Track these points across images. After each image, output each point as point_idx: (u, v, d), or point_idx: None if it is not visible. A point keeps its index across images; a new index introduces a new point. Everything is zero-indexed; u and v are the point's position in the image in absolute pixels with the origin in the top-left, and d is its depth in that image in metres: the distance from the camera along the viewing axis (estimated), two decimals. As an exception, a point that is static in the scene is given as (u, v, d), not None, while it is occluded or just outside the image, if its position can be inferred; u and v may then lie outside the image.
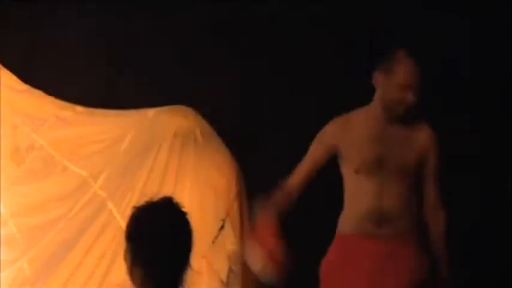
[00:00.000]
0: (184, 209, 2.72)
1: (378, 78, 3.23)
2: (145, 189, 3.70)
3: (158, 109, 3.94)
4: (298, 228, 3.55)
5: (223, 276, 3.72)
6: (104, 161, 3.88)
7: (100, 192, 3.83)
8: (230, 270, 3.71)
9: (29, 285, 3.82)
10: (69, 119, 3.95)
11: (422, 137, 3.30)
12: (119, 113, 3.99)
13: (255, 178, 3.87)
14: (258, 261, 3.19)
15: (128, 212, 2.78)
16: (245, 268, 3.62)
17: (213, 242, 3.68)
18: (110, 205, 3.79)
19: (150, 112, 3.93)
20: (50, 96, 3.97)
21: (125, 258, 2.73)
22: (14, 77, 3.97)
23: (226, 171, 3.82)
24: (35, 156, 3.90)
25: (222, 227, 3.71)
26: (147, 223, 2.71)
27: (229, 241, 3.75)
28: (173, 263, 2.71)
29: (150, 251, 2.69)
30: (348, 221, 3.30)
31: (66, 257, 3.82)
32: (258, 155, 4.10)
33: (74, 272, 3.82)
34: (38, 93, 3.98)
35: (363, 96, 3.36)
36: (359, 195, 3.26)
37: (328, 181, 3.33)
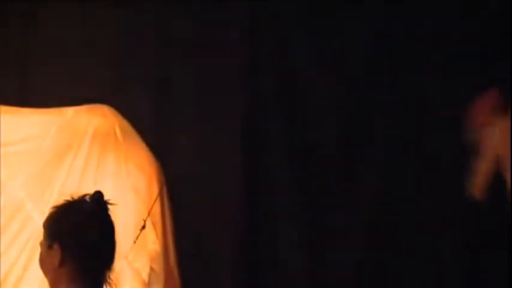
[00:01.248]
0: (109, 205, 2.73)
1: None
2: (63, 189, 3.63)
3: (77, 108, 3.89)
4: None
5: (145, 275, 3.68)
6: (23, 160, 3.79)
7: (18, 192, 3.75)
8: (152, 269, 3.68)
9: None
10: None
11: None
12: (37, 112, 3.93)
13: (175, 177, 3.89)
14: None
15: (46, 212, 2.77)
16: (166, 267, 3.70)
17: (134, 242, 3.62)
18: (28, 205, 3.72)
19: (69, 111, 3.88)
20: None
21: (46, 264, 2.72)
22: None
23: (147, 170, 3.80)
24: None
25: (143, 227, 3.64)
26: (75, 221, 2.69)
27: (151, 241, 3.71)
28: (101, 261, 2.71)
29: (79, 249, 2.67)
30: None
31: None
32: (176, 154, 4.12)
33: None
34: None
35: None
36: None
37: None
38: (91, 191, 2.78)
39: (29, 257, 3.64)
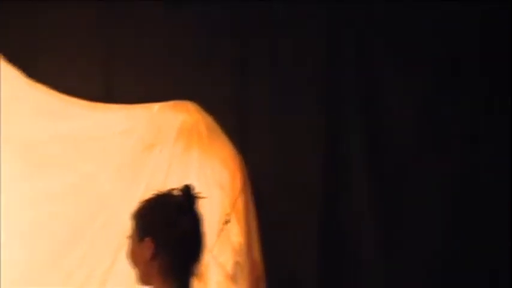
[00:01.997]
0: (199, 199, 2.75)
1: None
2: (150, 183, 3.69)
3: (162, 104, 3.92)
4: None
5: (229, 268, 3.71)
6: (110, 155, 3.87)
7: (105, 186, 3.83)
8: (236, 262, 3.72)
9: (31, 282, 3.80)
10: (77, 114, 3.95)
11: None
12: (123, 108, 3.98)
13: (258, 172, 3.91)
14: None
15: (133, 207, 2.78)
16: (251, 260, 3.75)
17: (219, 236, 3.68)
18: (115, 199, 3.79)
19: (155, 107, 3.92)
20: (54, 91, 3.95)
21: (135, 257, 2.75)
22: (18, 72, 3.95)
23: (231, 166, 3.83)
24: (40, 151, 3.88)
25: (227, 221, 3.72)
26: (167, 214, 2.73)
27: (235, 234, 3.75)
28: (190, 254, 2.74)
29: (170, 242, 2.71)
30: None
31: (68, 255, 3.81)
32: (259, 150, 4.12)
33: (75, 269, 3.82)
34: (42, 88, 3.96)
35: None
36: None
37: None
38: (176, 185, 2.80)
39: (117, 250, 3.68)
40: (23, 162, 3.86)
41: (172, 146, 3.82)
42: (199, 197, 2.74)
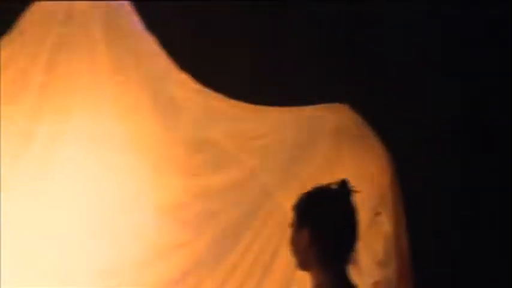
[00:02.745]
0: (354, 192, 2.86)
1: None
2: (306, 178, 3.78)
3: (315, 107, 4.02)
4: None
5: (379, 256, 3.77)
6: (270, 153, 4.00)
7: (267, 181, 3.95)
8: (385, 249, 3.76)
9: (204, 266, 3.91)
10: (238, 115, 4.06)
11: None
12: (278, 110, 4.07)
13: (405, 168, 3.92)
14: None
15: (291, 203, 2.93)
16: (399, 248, 3.79)
17: (370, 226, 3.74)
18: (277, 195, 3.88)
19: (308, 109, 4.03)
20: (219, 94, 4.07)
21: (296, 245, 2.86)
22: (187, 77, 4.07)
23: (380, 163, 3.87)
24: (209, 148, 4.02)
25: (378, 213, 3.79)
26: (326, 206, 2.86)
27: (385, 224, 3.78)
28: (346, 242, 2.85)
29: (328, 231, 2.83)
30: None
31: (234, 248, 3.92)
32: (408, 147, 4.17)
33: (240, 260, 3.91)
34: (207, 93, 4.07)
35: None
36: None
37: None
38: (328, 181, 2.93)
39: (278, 243, 3.81)
40: (196, 159, 4.00)
41: (326, 144, 3.91)
42: (355, 191, 2.86)
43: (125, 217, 3.87)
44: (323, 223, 2.82)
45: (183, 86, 4.04)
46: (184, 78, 4.06)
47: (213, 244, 3.93)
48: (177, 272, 3.91)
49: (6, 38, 4.00)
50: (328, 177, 3.12)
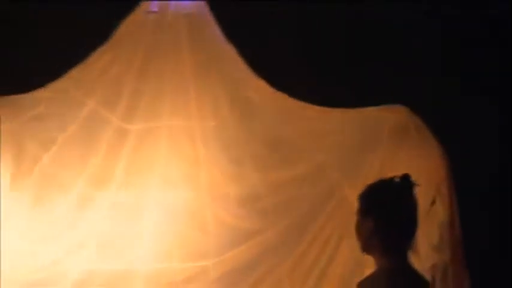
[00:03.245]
0: (415, 186, 2.91)
1: None
2: (370, 173, 3.90)
3: (375, 108, 4.13)
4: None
5: (435, 242, 3.83)
6: (337, 150, 4.10)
7: (335, 175, 4.05)
8: (441, 237, 3.82)
9: (275, 254, 4.03)
10: (308, 116, 4.20)
11: None
12: (340, 111, 4.19)
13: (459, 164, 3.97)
14: None
15: (356, 195, 3.03)
16: (453, 235, 3.86)
17: (427, 214, 3.80)
18: (343, 189, 4.00)
19: (368, 110, 4.14)
20: (291, 98, 4.20)
21: (361, 232, 2.94)
22: (264, 82, 4.22)
23: (436, 159, 3.94)
24: (283, 146, 4.17)
25: (433, 202, 3.85)
26: (389, 198, 2.94)
27: (440, 213, 3.86)
28: (407, 231, 2.93)
29: (390, 220, 2.91)
30: None
31: (302, 238, 4.03)
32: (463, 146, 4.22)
33: (306, 249, 4.01)
34: (281, 96, 4.23)
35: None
36: None
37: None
38: (387, 176, 3.02)
39: (342, 233, 3.94)
40: (272, 156, 4.14)
41: (384, 143, 4.01)
42: (416, 184, 2.96)
43: (211, 205, 4.12)
44: (386, 213, 2.91)
45: (259, 90, 4.21)
46: (261, 83, 4.22)
47: (284, 233, 4.04)
48: (251, 257, 4.08)
49: (103, 48, 4.33)
50: (389, 172, 3.19)
